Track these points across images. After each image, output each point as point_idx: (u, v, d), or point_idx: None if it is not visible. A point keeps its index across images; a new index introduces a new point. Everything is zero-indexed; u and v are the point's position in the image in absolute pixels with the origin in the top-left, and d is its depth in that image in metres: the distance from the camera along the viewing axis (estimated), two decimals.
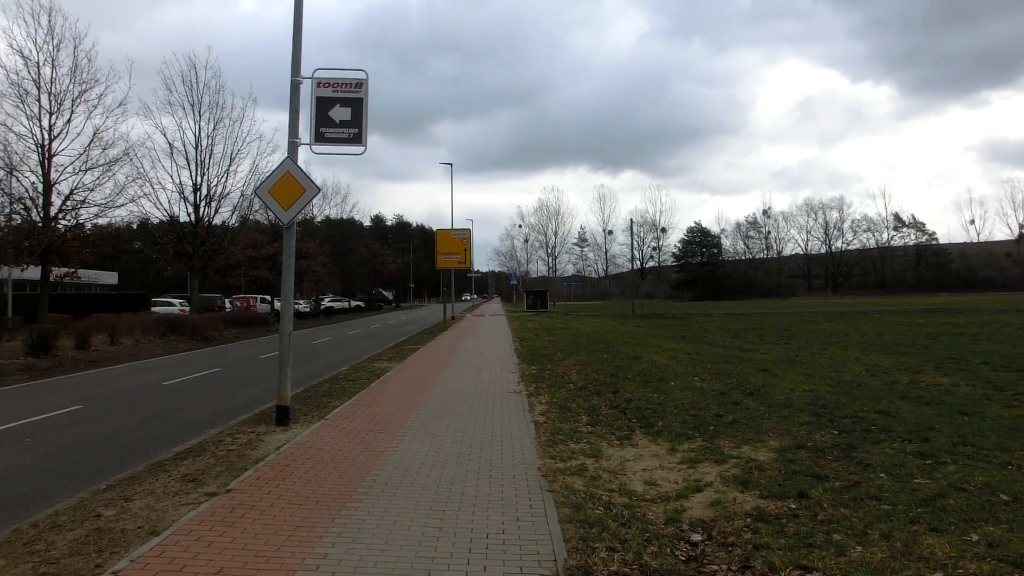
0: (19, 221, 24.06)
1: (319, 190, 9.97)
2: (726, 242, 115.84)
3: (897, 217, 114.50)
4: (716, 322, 37.39)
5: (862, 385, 13.03)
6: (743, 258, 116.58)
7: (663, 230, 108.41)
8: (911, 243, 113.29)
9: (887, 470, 6.90)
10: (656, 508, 6.27)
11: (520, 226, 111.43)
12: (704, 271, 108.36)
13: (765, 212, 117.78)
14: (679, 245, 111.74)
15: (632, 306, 53.26)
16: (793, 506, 5.98)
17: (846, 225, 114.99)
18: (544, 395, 12.49)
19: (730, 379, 13.54)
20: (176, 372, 17.46)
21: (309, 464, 7.55)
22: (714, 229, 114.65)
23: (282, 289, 10.01)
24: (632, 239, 68.58)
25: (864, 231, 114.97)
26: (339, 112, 10.17)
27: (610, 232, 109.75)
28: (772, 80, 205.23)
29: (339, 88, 10.17)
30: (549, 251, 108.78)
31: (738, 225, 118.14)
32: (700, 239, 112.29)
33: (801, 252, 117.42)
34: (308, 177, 9.97)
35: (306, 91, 10.18)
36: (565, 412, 10.74)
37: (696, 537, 5.54)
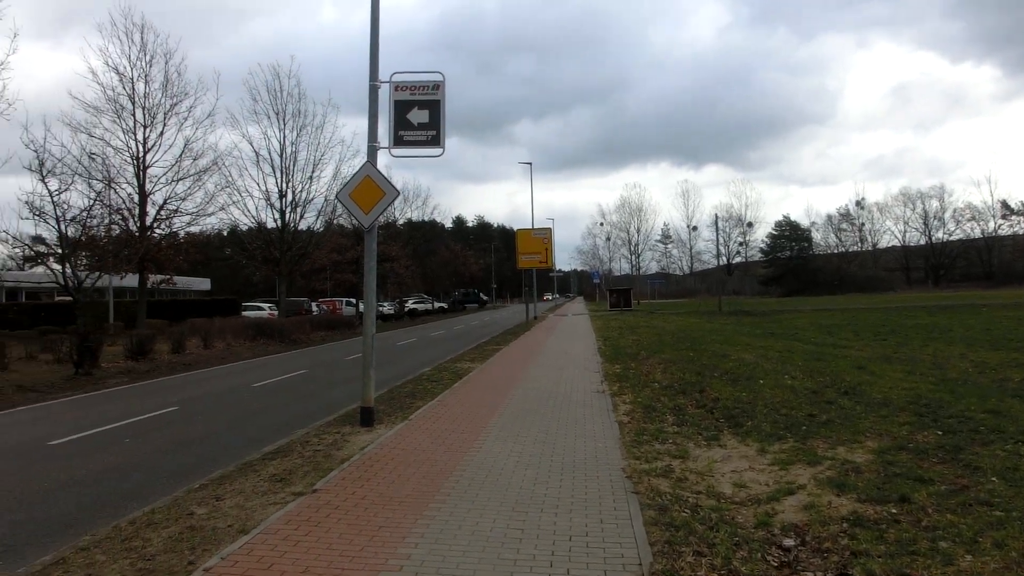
0: (118, 231, 25.47)
1: (398, 193, 10.10)
2: (816, 235, 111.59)
3: (1005, 204, 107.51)
4: (807, 318, 36.07)
5: (969, 383, 12.24)
6: (835, 251, 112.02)
7: (749, 225, 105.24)
8: (1021, 232, 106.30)
9: (999, 474, 6.44)
10: (746, 511, 6.03)
11: (601, 224, 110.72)
12: (794, 266, 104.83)
13: (858, 203, 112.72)
14: (767, 240, 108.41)
15: (718, 303, 52.07)
16: (894, 511, 5.64)
17: (947, 214, 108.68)
18: (628, 395, 12.29)
19: (823, 377, 12.99)
20: (265, 374, 18.08)
21: (393, 464, 7.63)
22: (803, 222, 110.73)
23: (364, 292, 10.18)
24: (717, 235, 67.24)
25: (968, 220, 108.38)
26: (417, 115, 10.27)
27: (694, 228, 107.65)
28: (863, 66, 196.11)
29: (416, 91, 10.27)
30: (632, 249, 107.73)
31: (829, 218, 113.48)
32: (789, 233, 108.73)
33: (898, 244, 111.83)
34: (388, 180, 10.11)
35: (384, 96, 10.34)
36: (650, 412, 10.53)
37: (789, 542, 5.30)
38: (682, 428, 9.42)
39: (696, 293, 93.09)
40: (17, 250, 18.32)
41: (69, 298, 37.05)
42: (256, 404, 13.14)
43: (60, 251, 17.58)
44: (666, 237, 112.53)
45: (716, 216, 67.87)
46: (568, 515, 5.89)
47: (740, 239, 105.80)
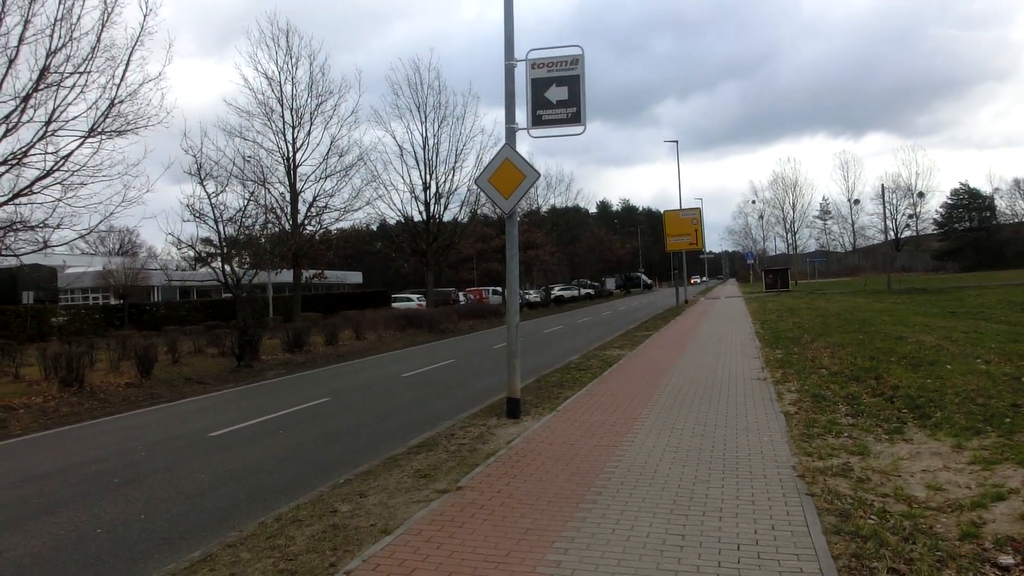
0: (273, 229, 26.96)
1: (539, 175, 9.75)
2: (1001, 203, 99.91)
3: None
4: (994, 295, 32.42)
5: None
6: None
7: (920, 195, 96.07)
8: None
9: None
10: (946, 520, 5.19)
11: (754, 202, 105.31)
12: (974, 238, 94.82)
13: None
14: (941, 210, 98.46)
15: (887, 281, 48.12)
16: None
17: None
18: (793, 382, 11.32)
19: None
20: (413, 364, 18.36)
21: (540, 460, 7.28)
22: (985, 189, 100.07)
23: (506, 279, 9.92)
24: (884, 207, 62.12)
25: None
26: (555, 92, 9.84)
27: (856, 201, 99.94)
28: None
29: (554, 67, 9.84)
30: (787, 226, 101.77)
31: (1016, 182, 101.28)
32: (968, 201, 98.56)
33: None
34: (527, 163, 9.76)
35: (520, 76, 9.99)
36: (820, 401, 9.58)
37: (1007, 560, 4.47)
38: (858, 420, 8.47)
39: (860, 271, 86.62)
40: (188, 251, 19.64)
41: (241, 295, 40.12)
42: (404, 394, 13.28)
43: (220, 251, 18.63)
44: (825, 212, 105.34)
45: (882, 187, 62.44)
46: (734, 520, 5.29)
47: (910, 211, 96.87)
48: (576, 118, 9.81)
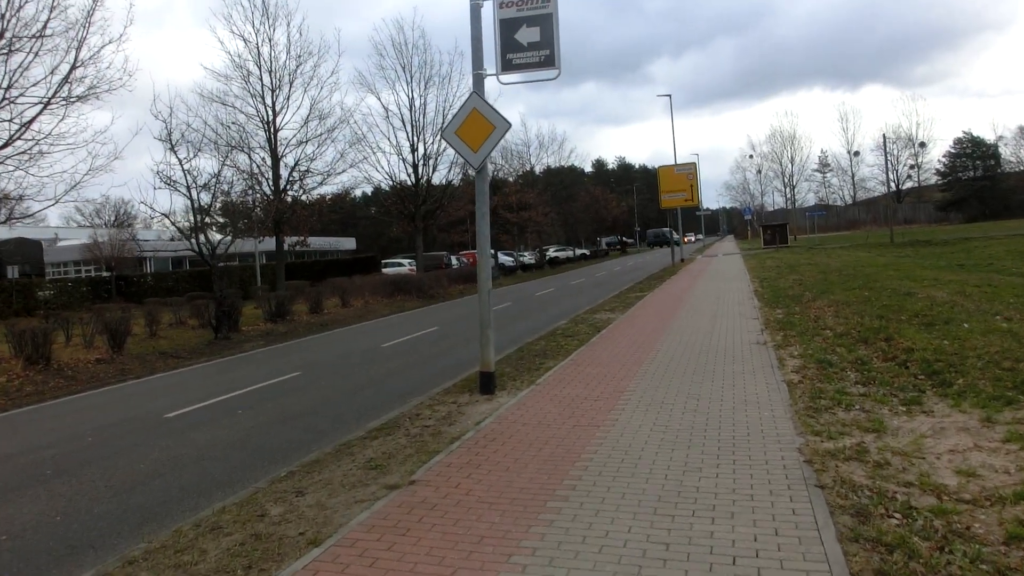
0: (253, 195, 25.80)
1: (509, 125, 8.71)
2: (1006, 151, 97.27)
3: None
4: (1002, 245, 31.37)
5: None
6: None
7: (922, 145, 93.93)
8: None
9: None
10: (985, 517, 4.31)
11: (751, 156, 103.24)
12: (978, 187, 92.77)
13: None
14: (944, 160, 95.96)
15: (890, 234, 47.02)
16: None
17: None
18: (795, 345, 10.40)
19: None
20: (396, 332, 17.43)
21: (510, 445, 6.38)
22: (989, 138, 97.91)
23: (477, 240, 8.92)
24: (885, 157, 60.56)
25: None
26: (526, 33, 8.78)
27: (856, 153, 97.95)
28: None
29: (524, 6, 8.75)
30: (786, 181, 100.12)
31: (1021, 130, 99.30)
32: (971, 150, 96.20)
33: None
34: (496, 112, 8.72)
35: (488, 16, 8.92)
36: (826, 368, 8.67)
37: None
38: (870, 388, 7.57)
39: (861, 224, 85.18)
40: (164, 220, 18.45)
41: (230, 263, 39.14)
42: (380, 367, 12.38)
43: (193, 219, 17.58)
44: (824, 165, 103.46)
45: (883, 137, 60.73)
46: (729, 522, 4.41)
47: (911, 161, 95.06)
48: (550, 61, 8.77)
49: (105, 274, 38.86)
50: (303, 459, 6.58)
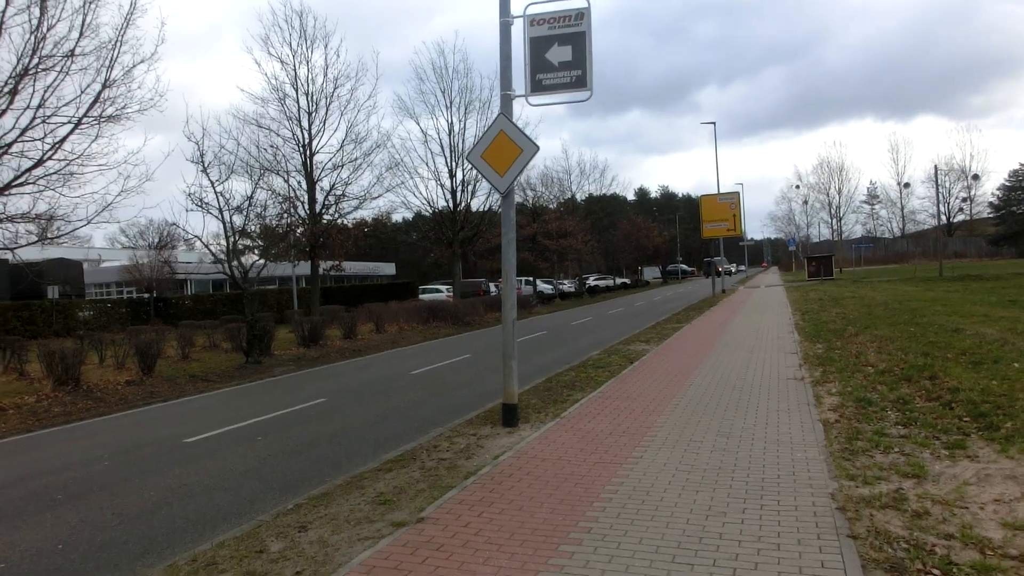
0: (289, 219, 25.96)
1: (537, 148, 8.55)
2: None
3: None
4: None
5: None
6: None
7: (975, 177, 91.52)
8: None
9: None
10: None
11: (797, 187, 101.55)
12: None
13: None
14: (998, 193, 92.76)
15: (939, 267, 45.69)
16: None
17: None
18: (834, 382, 9.97)
19: None
20: (427, 359, 17.30)
21: (527, 481, 6.14)
22: None
23: (503, 268, 8.75)
24: (937, 190, 59.05)
25: None
26: (558, 52, 8.63)
27: (906, 185, 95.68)
28: None
29: (556, 23, 8.62)
30: (832, 212, 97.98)
31: None
32: None
33: None
34: (524, 135, 8.58)
35: (518, 35, 8.82)
36: (865, 407, 8.26)
37: None
38: (911, 430, 7.16)
39: (909, 257, 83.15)
40: (195, 242, 18.76)
41: (268, 287, 39.59)
42: (405, 395, 12.20)
43: (227, 242, 17.70)
44: (872, 197, 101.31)
45: (935, 168, 59.10)
46: (751, 573, 4.13)
47: (963, 194, 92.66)
48: (581, 82, 8.60)
49: (145, 295, 39.62)
50: (312, 491, 6.41)
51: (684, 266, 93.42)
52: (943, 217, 69.38)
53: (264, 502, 6.48)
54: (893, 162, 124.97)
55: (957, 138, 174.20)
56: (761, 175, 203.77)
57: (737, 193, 43.15)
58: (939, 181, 59.73)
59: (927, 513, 4.95)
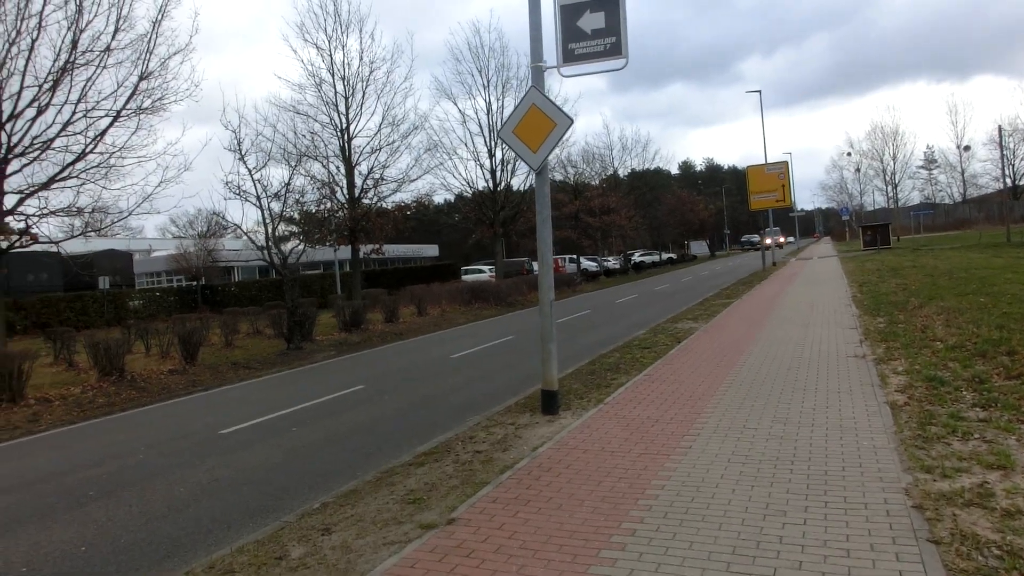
0: (329, 204, 25.81)
1: (571, 121, 8.03)
2: None
3: None
4: None
5: None
6: None
7: None
8: None
9: None
10: None
11: (849, 154, 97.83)
12: None
13: None
14: None
15: (1006, 232, 43.48)
16: None
17: None
18: (900, 360, 9.26)
19: None
20: (469, 342, 16.94)
21: (566, 476, 5.69)
22: None
23: (538, 247, 8.26)
24: (1001, 152, 56.20)
25: None
26: (590, 20, 8.06)
27: (966, 148, 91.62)
28: None
29: None
30: (887, 179, 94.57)
31: None
32: None
33: None
34: (557, 107, 8.06)
35: (548, 4, 8.28)
36: (936, 387, 7.57)
37: None
38: (991, 413, 6.49)
39: (972, 223, 79.85)
40: (235, 229, 18.65)
41: (312, 271, 39.74)
42: (445, 380, 11.86)
43: (266, 228, 17.56)
44: (930, 162, 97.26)
45: (999, 128, 56.21)
46: None
47: None
48: (616, 49, 8.01)
49: (192, 284, 40.12)
50: (340, 488, 6.07)
51: (754, 237, 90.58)
52: (1008, 180, 66.11)
53: (292, 498, 6.18)
54: (952, 124, 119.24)
55: (1022, 96, 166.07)
56: (809, 144, 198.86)
57: (785, 163, 41.63)
58: (1003, 142, 56.82)
59: (1020, 512, 4.36)
